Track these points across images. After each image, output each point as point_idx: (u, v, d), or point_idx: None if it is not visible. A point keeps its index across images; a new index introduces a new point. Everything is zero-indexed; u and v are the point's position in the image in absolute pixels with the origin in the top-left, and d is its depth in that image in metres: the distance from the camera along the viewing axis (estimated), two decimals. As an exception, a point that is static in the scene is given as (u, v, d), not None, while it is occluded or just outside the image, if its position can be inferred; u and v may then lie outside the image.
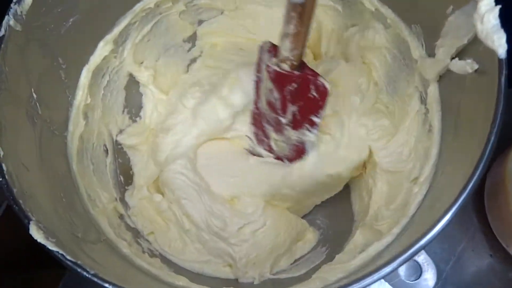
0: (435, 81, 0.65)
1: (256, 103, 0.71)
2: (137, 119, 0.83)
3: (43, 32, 0.60)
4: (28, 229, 0.45)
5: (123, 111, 0.81)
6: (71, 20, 0.64)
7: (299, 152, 0.73)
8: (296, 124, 0.68)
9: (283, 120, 0.68)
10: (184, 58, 0.87)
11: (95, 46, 0.71)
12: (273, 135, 0.72)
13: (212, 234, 0.72)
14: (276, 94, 0.64)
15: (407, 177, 0.68)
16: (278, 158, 0.76)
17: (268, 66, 0.61)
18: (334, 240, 0.79)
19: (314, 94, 0.63)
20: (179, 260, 0.73)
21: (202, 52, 0.88)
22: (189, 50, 0.87)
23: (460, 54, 0.57)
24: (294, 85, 0.62)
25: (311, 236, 0.79)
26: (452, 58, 0.58)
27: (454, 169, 0.54)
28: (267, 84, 0.64)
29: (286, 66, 0.60)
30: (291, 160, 0.74)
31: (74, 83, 0.68)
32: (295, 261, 0.76)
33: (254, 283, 0.71)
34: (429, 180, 0.59)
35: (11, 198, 0.46)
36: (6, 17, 0.54)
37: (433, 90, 0.65)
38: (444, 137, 0.61)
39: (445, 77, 0.62)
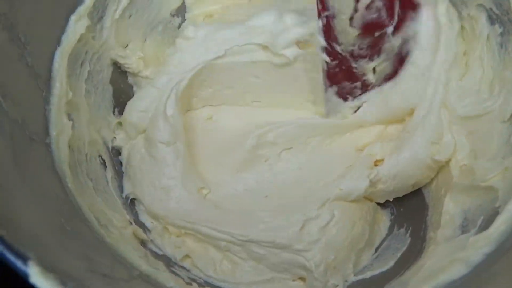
0: (517, -18, 0.51)
1: (331, 53, 0.57)
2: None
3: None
4: (26, 277, 0.25)
5: (114, 111, 0.64)
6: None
7: (402, 59, 0.58)
8: (401, 22, 0.55)
9: (389, 30, 0.56)
10: (175, 36, 0.70)
11: (65, 21, 0.53)
12: (370, 65, 0.58)
13: (265, 246, 0.54)
14: (379, 1, 0.53)
15: (498, 117, 0.54)
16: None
17: None
18: (410, 218, 0.63)
19: None
20: (231, 285, 0.54)
21: None
22: (179, 26, 0.71)
23: None
24: None
25: (383, 216, 0.63)
26: None
27: None
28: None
29: None
30: (393, 74, 0.59)
31: (45, 71, 0.50)
32: (376, 250, 0.60)
33: (337, 292, 0.54)
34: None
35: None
36: None
37: (516, -4, 0.51)
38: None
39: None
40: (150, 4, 0.66)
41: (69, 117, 0.53)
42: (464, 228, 0.52)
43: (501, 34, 0.54)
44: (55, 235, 0.34)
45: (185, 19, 0.71)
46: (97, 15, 0.58)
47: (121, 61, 0.63)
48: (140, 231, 0.54)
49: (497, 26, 0.55)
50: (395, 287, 0.48)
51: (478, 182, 0.52)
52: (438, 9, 0.56)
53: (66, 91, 0.52)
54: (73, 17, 0.54)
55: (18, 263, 0.25)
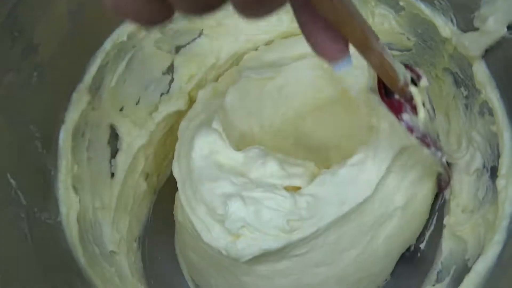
0: (481, 57, 0.57)
1: None
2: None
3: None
4: None
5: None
6: (35, 74, 0.49)
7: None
8: None
9: None
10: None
11: (68, 100, 0.56)
12: None
13: None
14: None
15: (464, 169, 0.60)
16: None
17: None
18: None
19: None
20: None
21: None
22: (169, 84, 0.74)
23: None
24: None
25: None
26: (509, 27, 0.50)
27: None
28: None
29: None
30: None
31: (52, 152, 0.53)
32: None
33: None
34: (515, 169, 0.51)
35: None
36: None
37: (480, 68, 0.57)
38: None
39: (496, 49, 0.54)
40: (142, 65, 0.68)
41: (75, 189, 0.56)
42: (438, 275, 0.58)
43: (466, 97, 0.60)
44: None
45: (173, 79, 0.73)
46: (95, 86, 0.61)
47: (115, 123, 0.67)
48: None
49: (462, 89, 0.61)
50: None
51: (457, 231, 0.58)
52: None
53: (72, 165, 0.55)
54: (74, 95, 0.57)
55: None
